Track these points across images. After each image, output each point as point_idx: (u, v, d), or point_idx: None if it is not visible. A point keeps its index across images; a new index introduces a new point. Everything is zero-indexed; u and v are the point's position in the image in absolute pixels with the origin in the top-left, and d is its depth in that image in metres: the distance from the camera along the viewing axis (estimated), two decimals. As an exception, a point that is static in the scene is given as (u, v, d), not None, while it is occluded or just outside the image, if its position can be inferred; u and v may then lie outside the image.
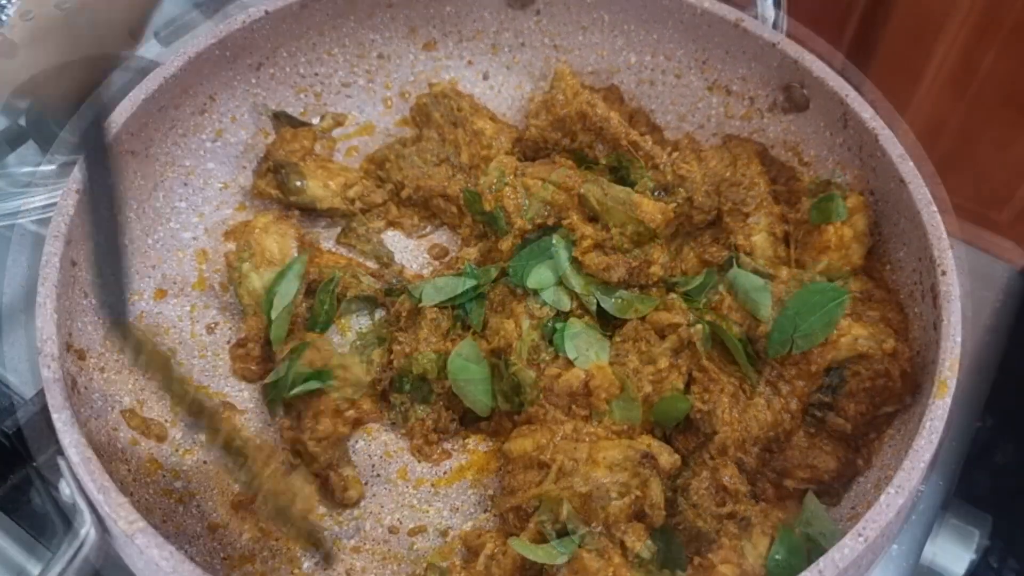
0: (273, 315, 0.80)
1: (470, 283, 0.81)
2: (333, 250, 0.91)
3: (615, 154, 0.86)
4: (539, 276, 0.79)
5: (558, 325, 0.78)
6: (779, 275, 0.77)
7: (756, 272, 0.78)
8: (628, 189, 0.81)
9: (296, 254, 0.83)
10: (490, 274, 0.82)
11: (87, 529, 0.59)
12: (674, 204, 0.81)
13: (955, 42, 1.85)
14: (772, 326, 0.75)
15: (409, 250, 0.92)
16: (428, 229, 0.93)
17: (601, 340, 0.77)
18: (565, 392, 0.74)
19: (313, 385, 0.74)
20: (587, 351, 0.76)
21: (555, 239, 0.80)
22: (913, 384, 0.71)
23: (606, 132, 0.84)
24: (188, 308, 0.85)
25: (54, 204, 0.75)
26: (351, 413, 0.76)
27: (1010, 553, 0.85)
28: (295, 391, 0.74)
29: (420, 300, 0.81)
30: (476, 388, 0.78)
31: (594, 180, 0.81)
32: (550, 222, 0.82)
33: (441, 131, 0.93)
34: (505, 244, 0.82)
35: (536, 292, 0.79)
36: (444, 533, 0.74)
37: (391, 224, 0.92)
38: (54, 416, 0.62)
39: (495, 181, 0.83)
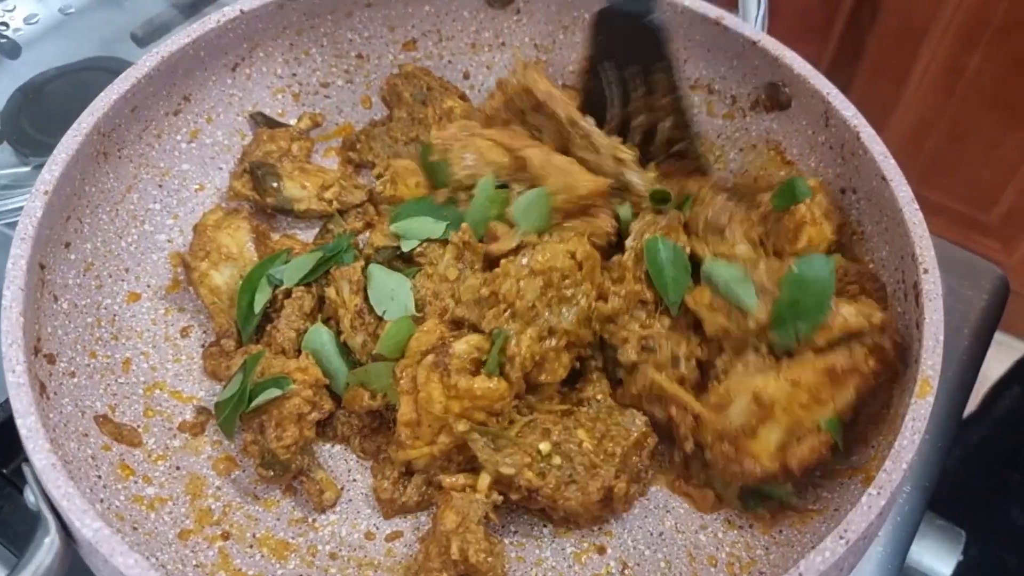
0: (246, 327, 0.78)
1: (315, 257, 0.80)
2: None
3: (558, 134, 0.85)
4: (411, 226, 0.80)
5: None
6: (758, 266, 0.76)
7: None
8: (572, 159, 0.81)
9: (252, 246, 0.82)
10: (341, 244, 0.81)
11: (51, 537, 0.58)
12: (611, 181, 0.81)
13: (941, 44, 1.85)
14: (771, 319, 0.71)
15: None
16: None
17: (401, 282, 0.77)
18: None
19: (273, 393, 0.72)
20: (391, 302, 0.76)
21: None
22: (904, 352, 0.70)
23: (547, 109, 0.84)
24: (162, 311, 0.83)
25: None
26: (314, 415, 0.74)
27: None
28: (255, 403, 0.72)
29: (281, 282, 0.79)
30: (330, 364, 0.76)
31: (538, 145, 0.80)
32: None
33: (411, 110, 0.92)
34: (440, 197, 0.82)
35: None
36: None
37: (369, 225, 0.91)
38: (18, 421, 0.60)
39: (449, 135, 0.83)
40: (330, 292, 0.78)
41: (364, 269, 0.79)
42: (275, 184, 0.88)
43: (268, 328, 0.79)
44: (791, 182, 0.79)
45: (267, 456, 0.72)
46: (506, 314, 0.71)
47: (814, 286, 0.71)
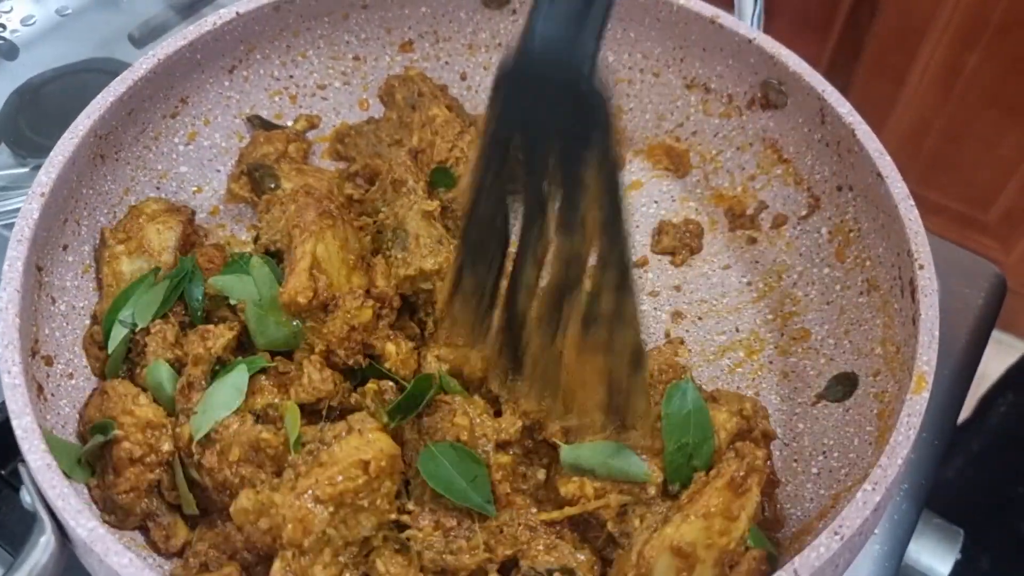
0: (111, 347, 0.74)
1: (162, 288, 0.76)
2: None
3: None
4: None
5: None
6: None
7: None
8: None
9: (172, 250, 0.79)
10: (184, 266, 0.77)
11: (47, 537, 0.58)
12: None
13: (940, 43, 1.85)
14: (668, 472, 0.65)
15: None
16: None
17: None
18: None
19: (99, 439, 0.67)
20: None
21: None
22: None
23: None
24: (160, 313, 0.84)
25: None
26: (152, 458, 0.68)
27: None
28: (84, 449, 0.67)
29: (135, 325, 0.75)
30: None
31: None
32: None
33: (401, 113, 0.92)
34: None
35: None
36: None
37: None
38: (14, 422, 0.60)
39: None
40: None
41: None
42: (272, 185, 0.88)
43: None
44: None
45: (107, 502, 0.68)
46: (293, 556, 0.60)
47: (692, 418, 0.67)
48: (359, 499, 0.61)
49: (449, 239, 0.77)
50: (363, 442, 0.62)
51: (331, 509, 0.60)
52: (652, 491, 0.65)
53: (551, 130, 0.56)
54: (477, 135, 0.74)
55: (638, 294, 0.64)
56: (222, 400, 0.68)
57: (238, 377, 0.69)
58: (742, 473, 0.62)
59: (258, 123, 0.93)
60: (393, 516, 0.64)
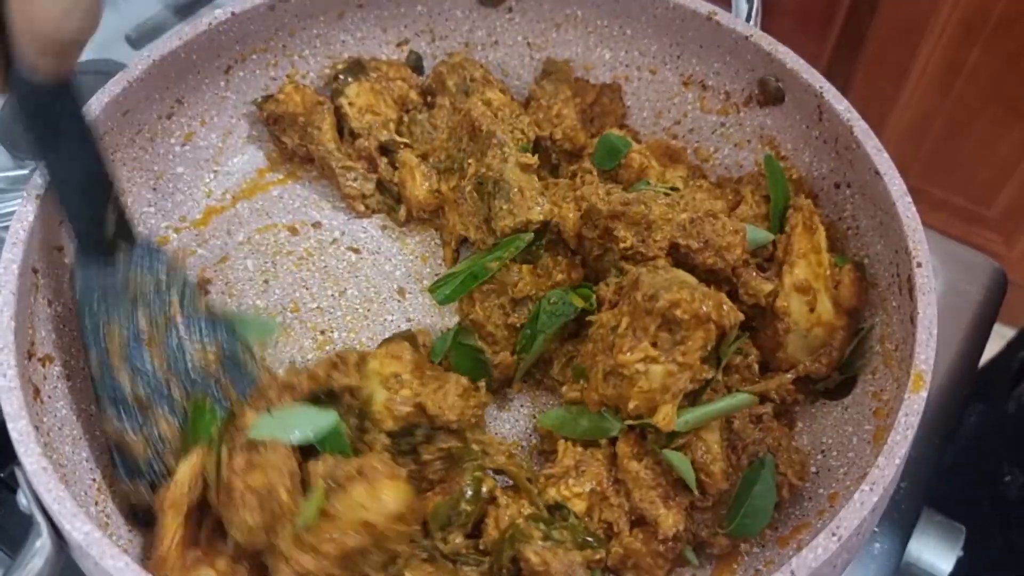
0: None
1: None
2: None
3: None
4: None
5: None
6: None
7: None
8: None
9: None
10: None
11: (43, 540, 0.58)
12: None
13: (940, 40, 1.85)
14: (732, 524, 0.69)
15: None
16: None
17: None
18: None
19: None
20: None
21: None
22: None
23: None
24: (157, 314, 0.83)
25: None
26: None
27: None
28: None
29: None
30: None
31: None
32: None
33: (454, 99, 0.92)
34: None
35: None
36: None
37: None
38: (10, 425, 0.60)
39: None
40: None
41: None
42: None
43: None
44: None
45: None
46: None
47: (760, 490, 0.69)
48: (367, 552, 0.61)
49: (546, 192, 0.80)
50: (370, 498, 0.60)
51: (335, 565, 0.60)
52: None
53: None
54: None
55: None
56: (296, 423, 0.66)
57: (325, 417, 0.67)
58: (807, 215, 0.78)
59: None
60: (407, 552, 0.64)
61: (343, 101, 0.91)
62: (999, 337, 1.03)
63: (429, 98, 0.96)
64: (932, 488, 0.83)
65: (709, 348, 0.67)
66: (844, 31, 1.92)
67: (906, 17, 1.83)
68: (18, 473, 0.60)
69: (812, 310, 0.75)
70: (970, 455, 1.14)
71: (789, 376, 0.76)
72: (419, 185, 0.88)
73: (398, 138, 0.91)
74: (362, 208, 0.90)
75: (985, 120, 1.88)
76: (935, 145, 1.98)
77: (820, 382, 0.77)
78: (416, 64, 0.98)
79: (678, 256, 0.75)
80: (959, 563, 0.83)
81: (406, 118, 0.93)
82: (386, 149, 0.91)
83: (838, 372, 0.76)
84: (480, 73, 0.93)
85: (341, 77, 0.92)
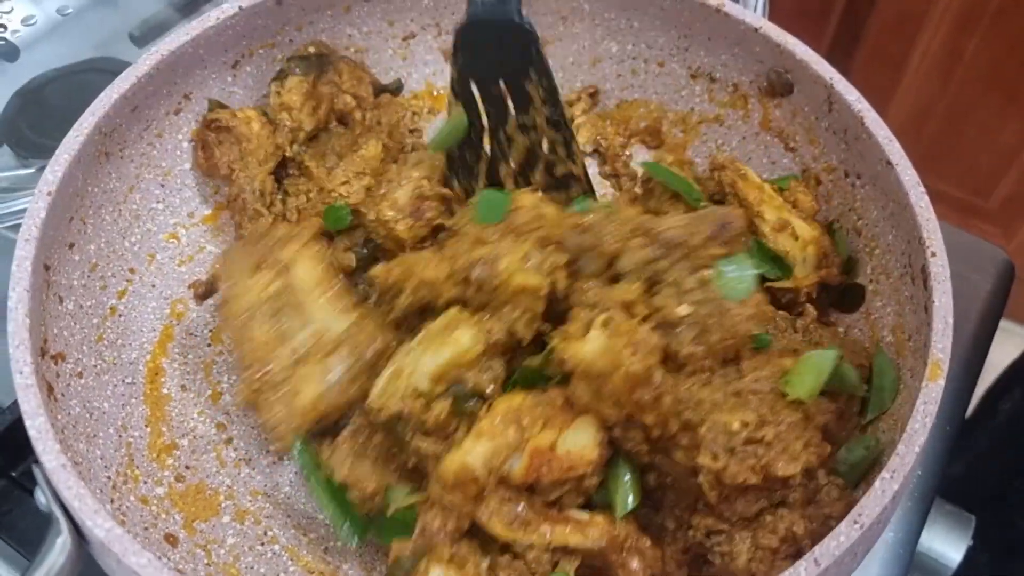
0: None
1: None
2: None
3: None
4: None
5: None
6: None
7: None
8: None
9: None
10: None
11: (63, 538, 0.58)
12: None
13: (939, 29, 1.85)
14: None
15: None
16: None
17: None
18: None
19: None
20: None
21: None
22: None
23: None
24: (167, 311, 0.83)
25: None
26: None
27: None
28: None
29: None
30: None
31: None
32: None
33: None
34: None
35: None
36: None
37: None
38: (27, 423, 0.60)
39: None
40: None
41: None
42: None
43: None
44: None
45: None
46: None
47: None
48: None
49: None
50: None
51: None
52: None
53: (497, 60, 0.79)
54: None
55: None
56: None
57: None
58: (731, 166, 0.83)
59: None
60: None
61: (275, 85, 0.89)
62: (1001, 330, 1.03)
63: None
64: (943, 477, 0.84)
65: None
66: (842, 22, 1.93)
67: (904, 7, 1.84)
68: (36, 471, 0.60)
69: (797, 238, 0.79)
70: (1005, 446, 1.14)
71: (813, 277, 0.79)
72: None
73: (305, 161, 0.88)
74: None
75: (984, 110, 1.88)
76: (933, 136, 1.98)
77: (835, 291, 0.81)
78: (396, 88, 0.97)
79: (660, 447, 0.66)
80: (969, 551, 0.83)
81: (323, 135, 0.91)
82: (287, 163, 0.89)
83: (844, 276, 0.82)
84: None
85: (292, 64, 0.89)
